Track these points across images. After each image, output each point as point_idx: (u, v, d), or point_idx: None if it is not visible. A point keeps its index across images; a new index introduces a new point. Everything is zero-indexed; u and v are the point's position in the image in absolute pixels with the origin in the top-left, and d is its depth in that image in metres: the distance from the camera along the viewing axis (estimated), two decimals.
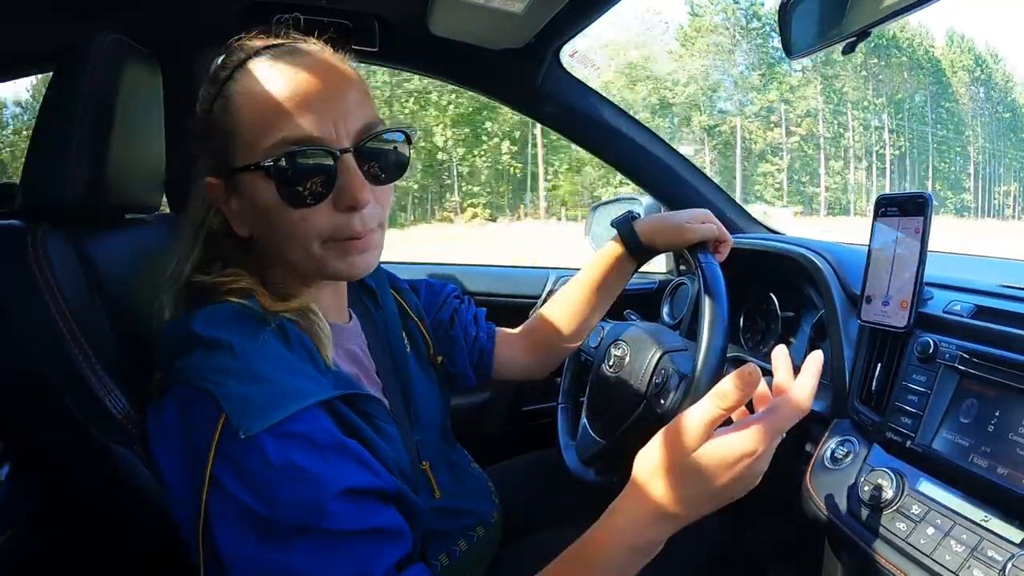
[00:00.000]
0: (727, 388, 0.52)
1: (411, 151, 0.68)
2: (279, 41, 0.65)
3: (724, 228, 0.93)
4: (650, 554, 0.57)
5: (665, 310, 1.56)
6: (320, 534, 0.52)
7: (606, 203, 1.72)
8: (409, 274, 0.95)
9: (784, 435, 0.55)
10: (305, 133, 0.59)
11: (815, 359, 0.58)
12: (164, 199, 0.94)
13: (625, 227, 0.95)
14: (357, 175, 0.61)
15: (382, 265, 0.89)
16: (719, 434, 0.54)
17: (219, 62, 0.65)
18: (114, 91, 0.72)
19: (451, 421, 0.92)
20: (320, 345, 0.62)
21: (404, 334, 0.85)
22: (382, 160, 0.64)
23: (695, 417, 0.54)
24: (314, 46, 0.65)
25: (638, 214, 0.97)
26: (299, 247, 0.62)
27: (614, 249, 0.96)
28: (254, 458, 0.51)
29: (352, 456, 0.57)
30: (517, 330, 1.04)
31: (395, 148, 0.66)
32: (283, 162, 0.58)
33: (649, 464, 0.56)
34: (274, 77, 0.60)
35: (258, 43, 0.64)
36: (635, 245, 0.94)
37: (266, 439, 0.52)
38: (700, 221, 0.91)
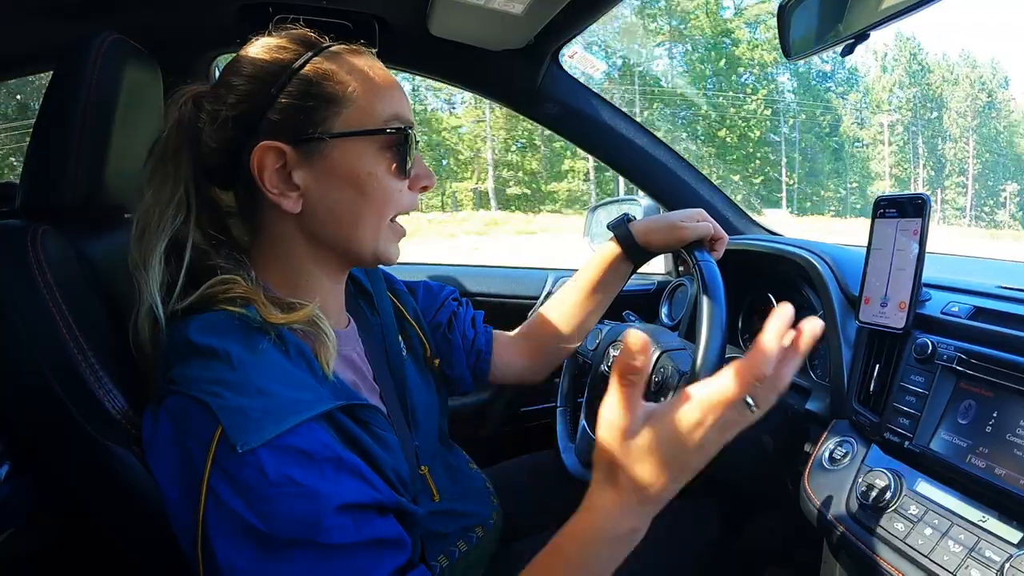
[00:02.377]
0: (621, 362, 0.49)
1: None
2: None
3: (719, 226, 0.93)
4: (636, 539, 0.55)
5: (664, 311, 1.56)
6: (318, 547, 0.52)
7: (605, 203, 1.72)
8: (407, 274, 0.95)
9: (751, 404, 0.50)
10: (408, 116, 0.68)
11: (784, 308, 0.51)
12: None
13: (621, 229, 0.95)
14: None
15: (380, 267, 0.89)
16: (661, 407, 0.52)
17: (273, 44, 0.66)
18: (114, 91, 0.72)
19: (449, 422, 0.92)
20: (324, 354, 0.62)
21: (401, 338, 0.85)
22: None
23: (610, 404, 0.51)
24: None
25: (633, 216, 0.97)
26: (380, 218, 0.68)
27: (611, 251, 0.96)
28: (251, 472, 0.51)
29: (350, 470, 0.56)
30: (514, 333, 1.04)
31: None
32: (404, 133, 0.67)
33: (599, 463, 0.54)
34: (375, 62, 0.68)
35: (309, 36, 0.68)
36: (631, 247, 0.94)
37: (263, 453, 0.51)
38: (694, 220, 0.92)
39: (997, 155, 37.35)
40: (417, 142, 0.70)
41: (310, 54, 0.65)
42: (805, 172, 34.71)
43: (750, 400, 0.49)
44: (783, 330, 0.49)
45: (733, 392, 0.48)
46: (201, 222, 0.66)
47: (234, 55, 0.67)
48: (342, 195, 0.66)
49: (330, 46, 0.67)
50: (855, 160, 35.91)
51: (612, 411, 0.51)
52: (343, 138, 0.64)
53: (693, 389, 0.51)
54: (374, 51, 0.70)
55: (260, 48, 0.65)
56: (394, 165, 0.67)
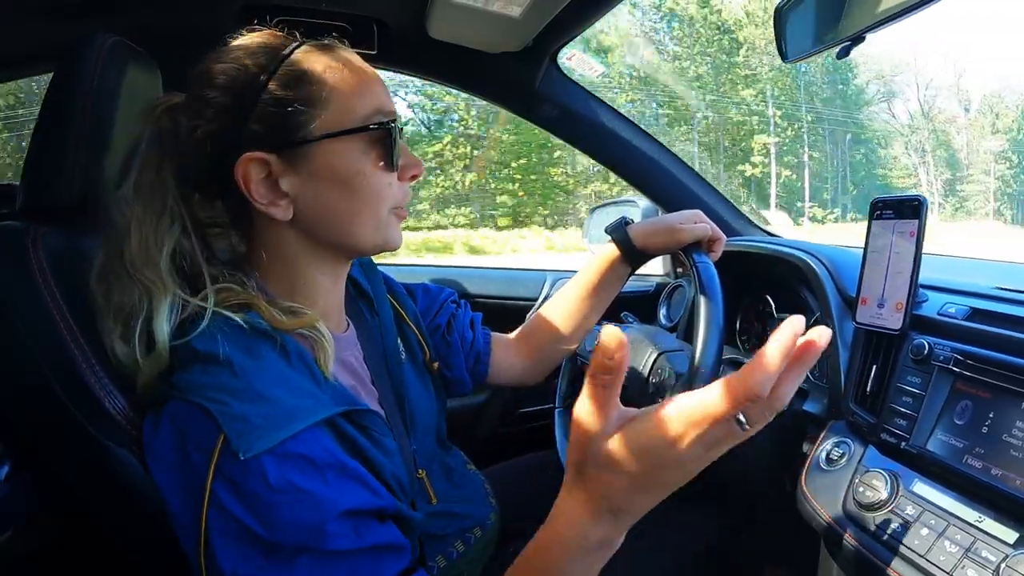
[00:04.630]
0: (596, 359, 0.44)
1: None
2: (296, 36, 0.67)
3: (716, 227, 0.94)
4: (609, 551, 0.51)
5: (662, 312, 1.56)
6: (321, 553, 0.52)
7: (604, 205, 1.72)
8: (406, 276, 0.95)
9: (743, 420, 0.44)
10: (390, 107, 0.67)
11: (795, 319, 0.43)
12: None
13: (619, 232, 0.95)
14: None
15: (379, 268, 0.89)
16: (640, 413, 0.48)
17: (242, 50, 0.64)
18: (114, 93, 0.72)
19: (448, 423, 0.92)
20: (323, 359, 0.62)
21: (400, 341, 0.85)
22: None
23: (582, 405, 0.47)
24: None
25: (631, 220, 0.98)
26: (375, 213, 0.67)
27: (610, 254, 0.96)
28: (254, 479, 0.51)
29: (352, 476, 0.57)
30: (513, 335, 1.05)
31: None
32: (387, 127, 0.65)
33: (569, 466, 0.50)
34: (350, 56, 0.66)
35: (281, 36, 0.67)
36: (629, 250, 0.95)
37: (266, 460, 0.52)
38: (692, 221, 0.92)
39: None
40: (401, 131, 0.68)
41: (282, 56, 0.63)
42: None
43: (742, 418, 0.44)
44: (789, 345, 0.42)
45: (721, 409, 0.43)
46: (191, 233, 0.65)
47: (202, 65, 0.65)
48: (333, 196, 0.65)
49: (300, 45, 0.65)
50: None
51: (584, 412, 0.47)
52: (327, 140, 0.63)
53: (677, 400, 0.45)
54: (346, 43, 0.69)
55: (229, 56, 0.64)
56: (381, 161, 0.66)
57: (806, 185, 31.01)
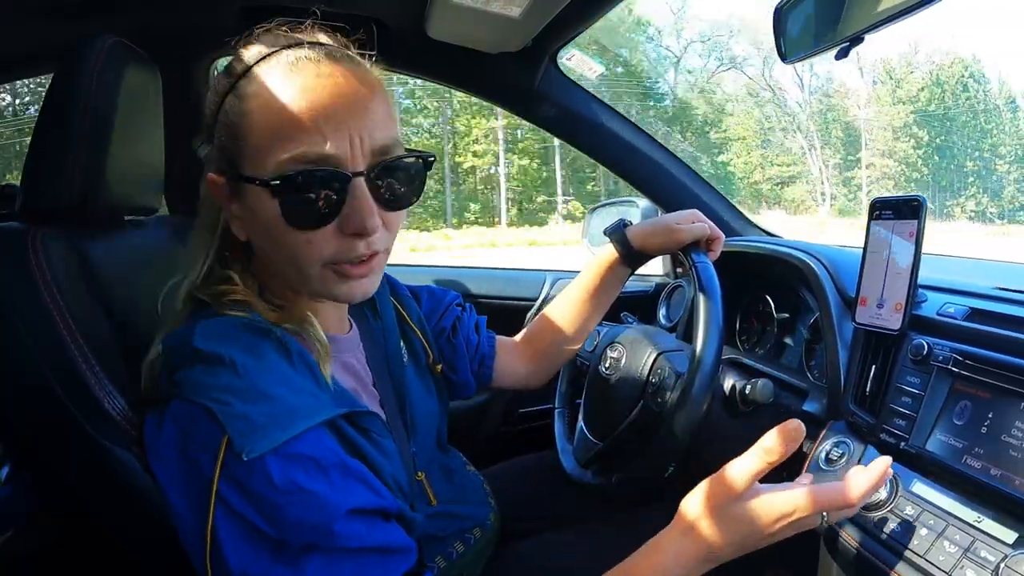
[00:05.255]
0: (771, 442, 0.58)
1: (426, 176, 0.65)
2: (300, 38, 0.61)
3: (715, 226, 0.94)
4: None
5: (661, 312, 1.56)
6: (329, 552, 0.52)
7: (604, 205, 1.72)
8: (408, 276, 0.95)
9: (824, 517, 0.60)
10: (319, 152, 0.55)
11: (883, 462, 0.63)
12: (163, 201, 0.94)
13: (618, 234, 0.96)
14: (367, 200, 0.58)
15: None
16: (767, 489, 0.60)
17: (237, 53, 0.62)
18: (114, 94, 0.72)
19: (448, 423, 0.92)
20: (319, 360, 0.61)
21: (402, 343, 0.85)
22: (396, 184, 0.61)
23: (741, 467, 0.59)
24: (338, 51, 0.61)
25: (630, 221, 0.98)
26: (298, 267, 0.60)
27: (609, 256, 0.97)
28: (259, 480, 0.51)
29: (355, 476, 0.57)
30: (516, 338, 1.05)
31: (411, 172, 0.63)
32: (292, 182, 0.55)
33: (696, 507, 0.61)
34: (293, 83, 0.56)
35: (280, 39, 0.61)
36: (628, 251, 0.95)
37: (270, 461, 0.51)
38: (690, 221, 0.92)
39: None
40: (348, 176, 0.57)
41: (240, 69, 0.59)
42: None
43: (825, 515, 0.60)
44: (877, 484, 0.62)
45: (821, 507, 0.59)
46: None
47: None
48: (261, 237, 0.62)
49: (269, 55, 0.59)
50: None
51: (739, 475, 0.59)
52: (244, 181, 0.58)
53: (798, 489, 0.59)
54: (337, 50, 0.62)
55: (232, 60, 0.62)
56: (292, 217, 0.57)
57: (557, 175, 26.67)
